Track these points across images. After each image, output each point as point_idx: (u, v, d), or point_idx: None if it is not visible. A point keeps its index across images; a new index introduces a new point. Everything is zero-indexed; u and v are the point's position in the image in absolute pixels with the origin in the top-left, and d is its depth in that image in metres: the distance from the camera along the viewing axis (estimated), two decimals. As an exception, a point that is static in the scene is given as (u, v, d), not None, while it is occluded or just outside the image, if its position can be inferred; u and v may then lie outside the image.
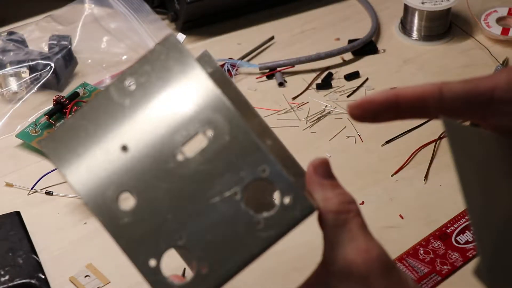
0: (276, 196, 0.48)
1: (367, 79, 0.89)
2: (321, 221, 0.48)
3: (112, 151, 0.48)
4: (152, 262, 0.47)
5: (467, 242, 0.71)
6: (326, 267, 0.48)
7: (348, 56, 0.93)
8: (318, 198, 0.49)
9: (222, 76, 0.53)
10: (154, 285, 0.47)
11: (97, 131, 0.48)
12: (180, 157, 0.48)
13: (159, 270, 0.47)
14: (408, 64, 0.91)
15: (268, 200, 0.52)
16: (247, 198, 0.47)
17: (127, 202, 0.48)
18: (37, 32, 0.93)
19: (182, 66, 0.48)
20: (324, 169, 0.50)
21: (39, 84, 0.87)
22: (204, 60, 0.54)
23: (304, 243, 0.68)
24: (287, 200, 0.47)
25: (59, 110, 0.84)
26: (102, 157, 0.48)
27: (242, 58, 0.92)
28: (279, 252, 0.64)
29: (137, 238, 0.47)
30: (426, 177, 0.78)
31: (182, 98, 0.48)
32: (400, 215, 0.74)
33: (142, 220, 0.47)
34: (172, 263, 0.50)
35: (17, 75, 0.87)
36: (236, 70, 0.90)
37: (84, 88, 0.86)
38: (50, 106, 0.85)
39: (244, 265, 0.47)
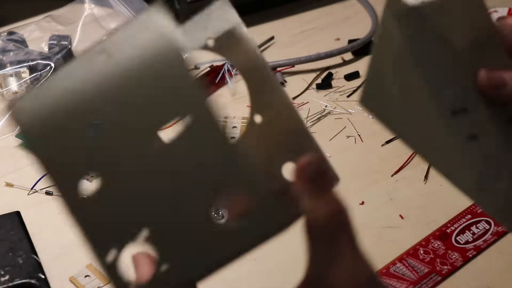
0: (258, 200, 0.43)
1: (367, 79, 0.89)
2: (306, 233, 0.42)
3: (83, 127, 0.43)
4: (113, 253, 0.42)
5: (467, 242, 0.71)
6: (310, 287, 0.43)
7: (348, 56, 0.93)
8: (304, 206, 0.42)
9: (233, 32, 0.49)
10: (112, 277, 0.42)
11: (71, 101, 0.44)
12: (154, 144, 0.43)
13: (119, 262, 0.42)
14: (408, 64, 0.91)
15: (278, 175, 0.48)
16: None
17: (94, 183, 0.43)
18: (37, 32, 0.93)
19: (156, 43, 0.44)
20: (311, 171, 0.42)
21: (39, 84, 0.87)
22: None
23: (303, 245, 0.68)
24: (261, 211, 0.42)
25: (59, 110, 0.84)
26: (73, 133, 0.44)
27: (242, 58, 0.92)
28: (279, 253, 0.64)
29: (99, 225, 0.43)
30: (426, 177, 0.78)
31: (159, 83, 0.43)
32: (400, 215, 0.74)
33: (106, 205, 0.43)
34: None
35: (17, 75, 0.87)
36: (236, 70, 0.90)
37: (84, 88, 0.86)
38: (50, 106, 0.85)
39: (209, 272, 0.42)
